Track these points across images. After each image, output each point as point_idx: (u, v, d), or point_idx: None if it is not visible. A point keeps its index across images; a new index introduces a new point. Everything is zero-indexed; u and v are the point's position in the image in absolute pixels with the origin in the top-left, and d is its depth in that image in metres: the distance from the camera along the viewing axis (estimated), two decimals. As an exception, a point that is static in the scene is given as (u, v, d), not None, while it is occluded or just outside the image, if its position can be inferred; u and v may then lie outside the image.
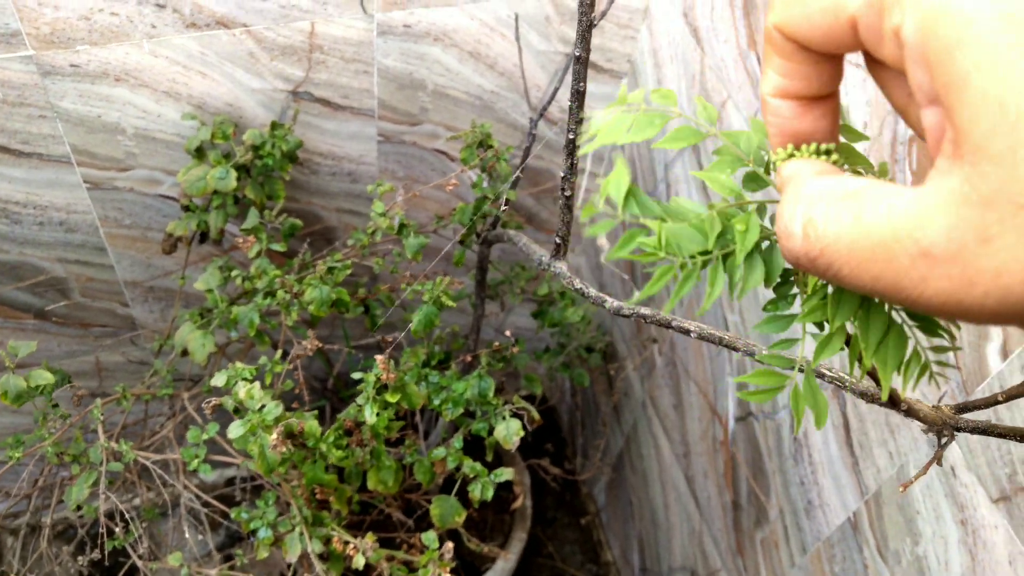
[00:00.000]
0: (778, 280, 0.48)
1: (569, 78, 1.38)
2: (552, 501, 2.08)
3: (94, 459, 1.00)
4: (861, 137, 0.51)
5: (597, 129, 0.47)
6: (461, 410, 0.93)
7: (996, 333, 0.80)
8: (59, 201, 1.28)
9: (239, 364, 0.83)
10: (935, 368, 0.57)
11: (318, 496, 0.92)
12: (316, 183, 1.41)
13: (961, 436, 0.86)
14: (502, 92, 1.38)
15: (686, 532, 1.58)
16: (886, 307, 0.42)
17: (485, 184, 1.12)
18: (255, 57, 1.20)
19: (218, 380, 0.84)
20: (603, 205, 0.44)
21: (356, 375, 0.85)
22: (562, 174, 0.70)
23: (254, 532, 0.96)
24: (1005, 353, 0.79)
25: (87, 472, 1.03)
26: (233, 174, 1.13)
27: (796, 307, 0.47)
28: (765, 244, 0.47)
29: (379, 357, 0.83)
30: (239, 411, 0.83)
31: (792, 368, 0.47)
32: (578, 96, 0.67)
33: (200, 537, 1.62)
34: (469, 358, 1.06)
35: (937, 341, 0.43)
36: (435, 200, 1.54)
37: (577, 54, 0.65)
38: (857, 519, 1.05)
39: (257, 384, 0.81)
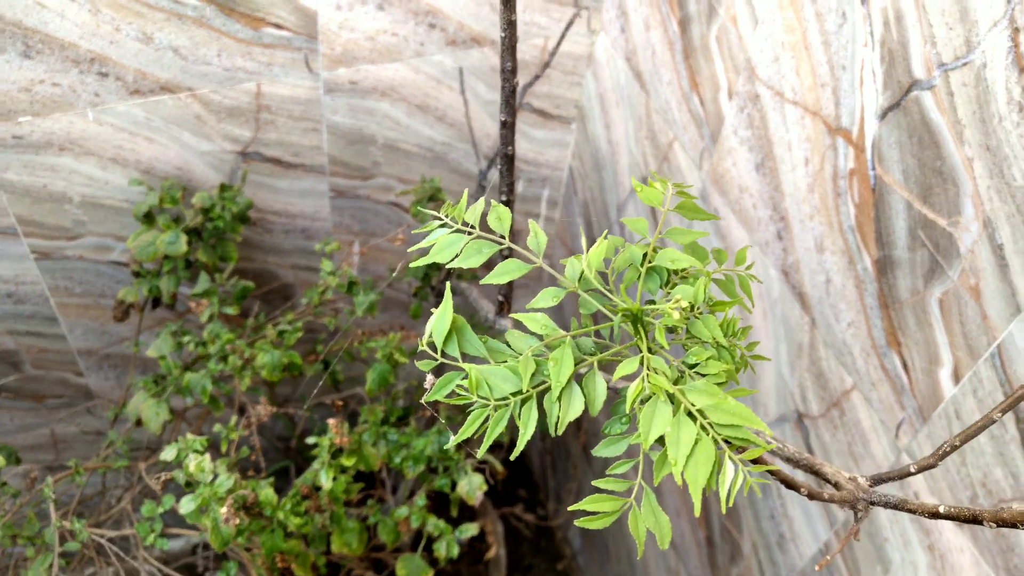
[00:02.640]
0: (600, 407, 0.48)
1: (518, 126, 1.39)
2: (528, 548, 2.05)
3: (48, 540, 0.97)
4: (709, 216, 0.55)
5: (431, 247, 0.50)
6: (423, 467, 0.92)
7: (947, 358, 0.81)
8: (6, 273, 1.25)
9: (190, 436, 0.81)
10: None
11: (280, 564, 0.89)
12: (270, 241, 1.40)
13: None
14: (453, 143, 1.39)
15: (663, 572, 1.57)
16: (696, 421, 0.43)
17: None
18: (202, 120, 1.19)
19: (168, 454, 0.82)
20: (424, 345, 0.45)
21: (311, 439, 0.84)
22: (500, 235, 0.71)
23: (218, 604, 0.93)
24: (957, 377, 0.80)
25: (42, 554, 0.99)
26: (183, 238, 1.12)
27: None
28: (585, 370, 0.48)
29: (331, 421, 0.82)
30: (191, 484, 0.81)
31: (629, 491, 0.47)
32: (507, 160, 0.68)
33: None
34: (429, 412, 1.05)
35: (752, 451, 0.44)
36: (391, 252, 1.53)
37: (503, 119, 0.66)
38: (828, 550, 1.05)
39: (207, 457, 0.79)
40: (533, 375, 0.45)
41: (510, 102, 0.69)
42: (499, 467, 0.97)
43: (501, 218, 0.52)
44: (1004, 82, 0.69)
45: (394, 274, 1.09)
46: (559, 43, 1.10)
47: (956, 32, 0.72)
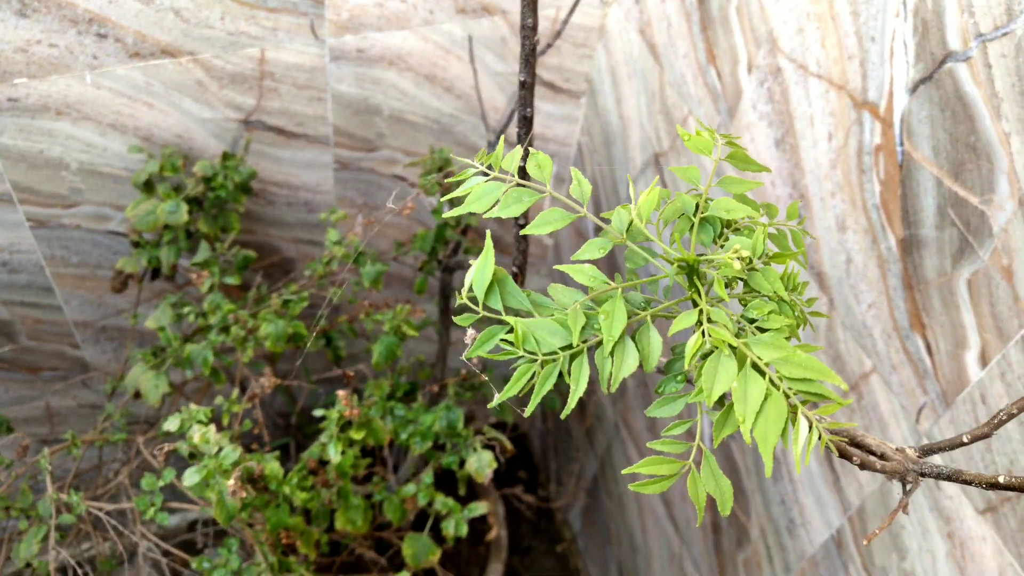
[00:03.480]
0: (660, 361, 0.45)
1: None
2: (527, 529, 2.04)
3: (43, 512, 0.94)
4: (761, 168, 0.51)
5: (466, 196, 0.46)
6: (430, 444, 0.90)
7: (974, 341, 0.78)
8: (1, 241, 1.22)
9: (193, 406, 0.78)
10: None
11: (284, 540, 0.87)
12: (272, 213, 1.37)
13: (949, 418, 0.84)
14: (460, 115, 1.35)
15: (666, 556, 1.55)
16: (765, 375, 0.40)
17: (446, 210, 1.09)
18: (204, 86, 1.16)
19: (171, 424, 0.79)
20: (464, 298, 0.42)
21: (318, 412, 0.81)
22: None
23: (217, 581, 0.91)
24: (984, 361, 0.78)
25: (36, 526, 0.97)
26: (184, 207, 1.09)
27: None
28: (640, 325, 0.45)
29: (341, 393, 0.79)
30: (195, 456, 0.78)
31: (687, 452, 0.44)
32: (525, 122, 0.65)
33: (162, 586, 1.55)
34: (436, 388, 1.02)
35: (825, 403, 0.41)
36: (395, 227, 1.50)
37: (522, 79, 0.63)
38: (841, 536, 1.03)
39: (212, 427, 0.77)
40: (583, 329, 0.42)
41: (530, 61, 0.66)
42: (508, 444, 0.94)
43: (541, 165, 0.49)
44: (1047, 53, 0.66)
45: (402, 247, 1.06)
46: (570, 14, 1.07)
47: (996, 0, 0.69)
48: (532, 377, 0.42)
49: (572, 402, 0.41)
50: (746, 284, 0.49)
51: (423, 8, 1.19)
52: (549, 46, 1.07)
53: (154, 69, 1.11)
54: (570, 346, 0.42)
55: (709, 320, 0.43)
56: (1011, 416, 0.48)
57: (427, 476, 0.93)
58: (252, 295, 1.09)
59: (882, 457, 0.51)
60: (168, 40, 1.09)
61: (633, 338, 0.44)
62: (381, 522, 1.26)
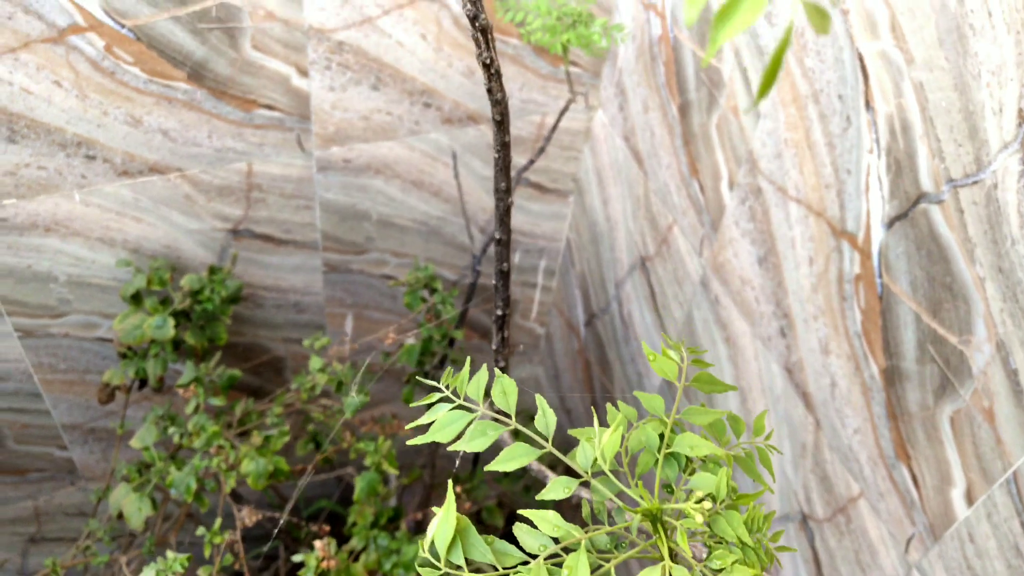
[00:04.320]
0: None
1: (515, 199, 1.37)
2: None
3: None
4: (727, 387, 0.51)
5: (431, 423, 0.46)
6: (414, 575, 0.88)
7: (959, 478, 0.78)
8: (-11, 352, 1.22)
9: (171, 554, 0.77)
10: None
11: None
12: (261, 316, 1.37)
13: (933, 574, 0.83)
14: (448, 217, 1.36)
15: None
16: None
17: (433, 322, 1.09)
18: (191, 199, 1.17)
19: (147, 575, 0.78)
20: (425, 551, 0.42)
21: (296, 558, 0.80)
22: (494, 347, 0.68)
23: None
24: (970, 499, 0.77)
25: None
26: (171, 322, 1.09)
27: None
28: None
29: (318, 543, 0.79)
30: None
31: None
32: (502, 276, 0.65)
33: None
34: (420, 516, 1.01)
35: None
36: (385, 324, 1.50)
37: (498, 237, 0.63)
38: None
39: (185, 586, 0.76)
40: None
41: (504, 220, 0.66)
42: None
43: (507, 392, 0.49)
44: (1017, 205, 0.66)
45: (389, 358, 1.06)
46: (557, 122, 1.08)
47: (965, 149, 0.70)
48: None
49: None
50: (710, 527, 0.48)
51: (409, 120, 1.20)
52: (532, 162, 1.08)
53: (142, 186, 1.12)
54: None
55: None
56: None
57: (410, 611, 0.92)
58: (239, 410, 1.09)
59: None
60: (156, 159, 1.10)
61: None
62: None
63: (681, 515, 0.47)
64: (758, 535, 0.48)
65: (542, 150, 1.02)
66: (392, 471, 0.87)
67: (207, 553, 0.89)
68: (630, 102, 1.21)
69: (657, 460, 0.51)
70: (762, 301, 1.01)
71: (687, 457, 0.52)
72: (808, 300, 0.93)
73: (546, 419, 0.48)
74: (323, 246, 1.32)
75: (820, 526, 0.99)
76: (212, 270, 1.16)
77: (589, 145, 1.35)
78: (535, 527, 0.44)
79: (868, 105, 0.79)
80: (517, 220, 1.42)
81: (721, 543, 0.47)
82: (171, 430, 1.01)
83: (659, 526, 0.46)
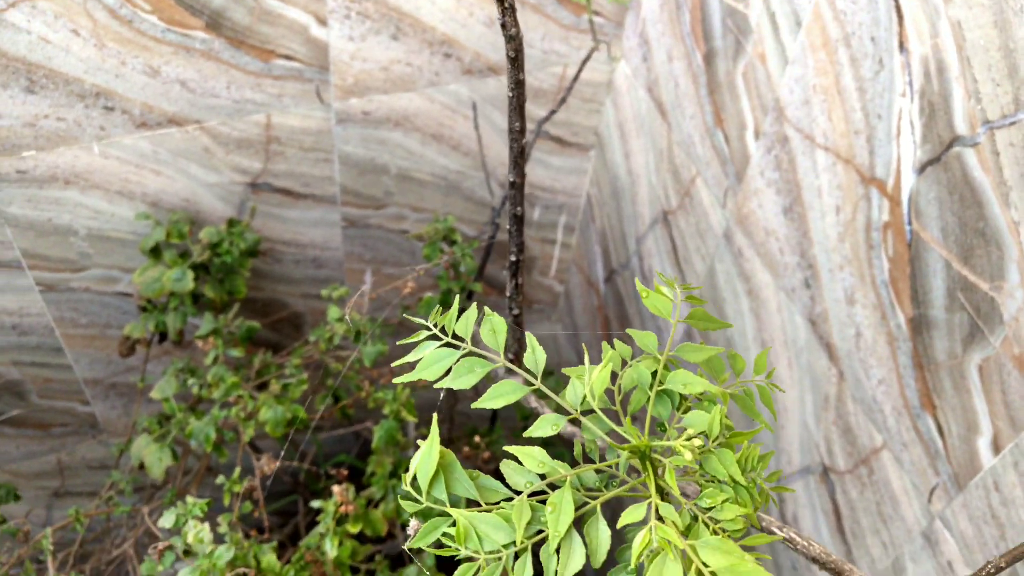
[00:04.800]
0: (606, 555, 0.43)
1: (535, 154, 1.36)
2: None
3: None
4: (723, 325, 0.50)
5: (418, 362, 0.45)
6: (435, 523, 0.88)
7: (986, 427, 0.77)
8: (11, 305, 1.23)
9: (190, 499, 0.78)
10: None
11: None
12: (280, 271, 1.37)
13: (956, 524, 0.82)
14: (468, 171, 1.35)
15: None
16: None
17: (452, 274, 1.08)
18: (210, 152, 1.16)
19: (166, 520, 0.79)
20: (407, 485, 0.41)
21: (315, 504, 0.81)
22: (508, 295, 0.67)
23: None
24: (996, 448, 0.76)
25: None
26: (190, 275, 1.09)
27: None
28: (589, 516, 0.43)
29: (336, 488, 0.79)
30: (189, 553, 0.78)
31: None
32: (516, 220, 0.64)
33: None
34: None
35: None
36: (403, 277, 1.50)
37: (511, 179, 0.62)
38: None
39: (206, 526, 0.76)
40: (529, 523, 0.41)
41: (518, 163, 0.65)
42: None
43: (496, 330, 0.48)
44: (1055, 145, 0.65)
45: (407, 310, 1.05)
46: (578, 73, 1.06)
47: (1004, 89, 0.68)
48: (476, 573, 0.40)
49: None
50: (701, 466, 0.47)
51: (429, 71, 1.19)
52: (553, 112, 1.07)
53: (161, 138, 1.12)
54: (514, 543, 0.41)
55: (658, 516, 0.42)
56: (999, 569, 0.46)
57: (429, 558, 0.92)
58: (257, 361, 1.09)
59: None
60: (175, 110, 1.10)
61: (581, 529, 0.42)
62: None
63: (672, 453, 0.46)
64: (752, 474, 0.47)
65: (563, 100, 1.01)
66: (411, 419, 0.87)
67: (226, 502, 0.89)
68: (654, 52, 1.19)
69: (649, 398, 0.50)
70: (786, 252, 0.99)
71: (682, 396, 0.51)
72: (834, 250, 0.91)
73: (535, 356, 0.47)
74: (342, 200, 1.31)
75: (841, 478, 0.98)
76: (231, 223, 1.16)
77: (611, 97, 1.33)
78: (522, 465, 0.44)
79: (902, 47, 0.77)
80: (537, 175, 1.41)
81: (713, 482, 0.47)
82: (191, 382, 1.02)
83: (648, 464, 0.45)
